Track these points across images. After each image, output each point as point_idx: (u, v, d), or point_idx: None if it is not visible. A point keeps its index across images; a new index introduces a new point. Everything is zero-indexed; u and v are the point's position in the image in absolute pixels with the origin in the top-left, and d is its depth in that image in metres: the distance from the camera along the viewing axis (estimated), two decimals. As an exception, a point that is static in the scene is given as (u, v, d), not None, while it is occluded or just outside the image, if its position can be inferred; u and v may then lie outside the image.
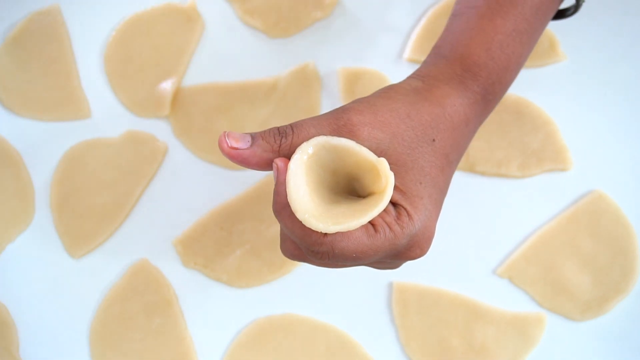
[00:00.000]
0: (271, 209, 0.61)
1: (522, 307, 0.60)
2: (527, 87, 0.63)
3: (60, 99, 0.64)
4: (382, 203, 0.35)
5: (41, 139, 0.64)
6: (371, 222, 0.36)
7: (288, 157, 0.37)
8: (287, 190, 0.35)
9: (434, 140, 0.39)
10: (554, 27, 0.63)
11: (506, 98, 0.62)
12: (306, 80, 0.64)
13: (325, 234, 0.35)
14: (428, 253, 0.40)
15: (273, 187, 0.63)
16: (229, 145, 0.37)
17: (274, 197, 0.37)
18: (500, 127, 0.63)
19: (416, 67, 0.65)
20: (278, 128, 0.37)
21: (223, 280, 0.61)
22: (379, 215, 0.36)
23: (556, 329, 0.60)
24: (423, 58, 0.64)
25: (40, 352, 0.60)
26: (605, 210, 0.61)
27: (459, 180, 0.60)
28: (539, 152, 0.62)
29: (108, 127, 0.64)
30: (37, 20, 0.66)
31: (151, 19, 0.66)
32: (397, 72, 0.64)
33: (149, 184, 0.63)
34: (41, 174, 0.63)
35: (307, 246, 0.36)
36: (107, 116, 0.64)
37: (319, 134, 0.37)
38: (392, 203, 0.37)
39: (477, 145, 0.62)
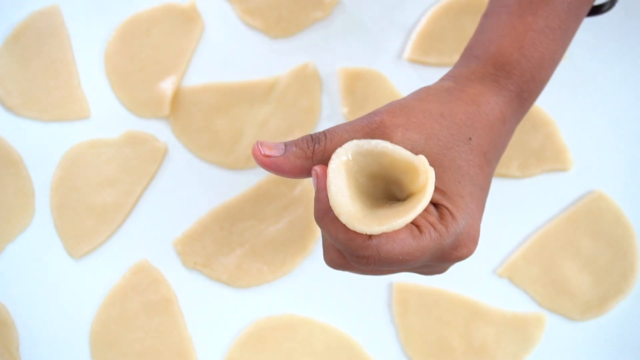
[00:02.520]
0: (272, 209, 0.62)
1: (522, 307, 0.60)
2: (527, 87, 0.63)
3: (60, 99, 0.64)
4: (425, 199, 0.34)
5: (41, 139, 0.64)
6: (415, 224, 0.35)
7: (322, 163, 0.36)
8: (329, 194, 0.34)
9: (470, 138, 0.38)
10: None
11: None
12: (306, 80, 0.64)
13: (370, 237, 0.34)
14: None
15: (273, 187, 0.63)
16: (263, 153, 0.37)
17: (315, 205, 0.36)
18: (500, 127, 0.63)
19: (417, 67, 0.66)
20: (311, 135, 0.37)
21: (223, 280, 0.61)
22: (422, 216, 0.35)
23: (556, 329, 0.60)
24: (423, 58, 0.65)
25: (40, 352, 0.60)
26: (605, 210, 0.61)
27: (459, 180, 0.60)
28: (539, 152, 0.62)
29: (108, 127, 0.64)
30: (37, 20, 0.66)
31: (151, 19, 0.66)
32: (397, 72, 0.65)
33: (149, 184, 0.63)
34: (41, 174, 0.63)
35: (352, 251, 0.35)
36: (107, 116, 0.64)
37: (352, 139, 0.36)
38: (434, 204, 0.36)
39: (477, 145, 0.62)
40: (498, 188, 0.62)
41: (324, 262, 0.39)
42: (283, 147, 0.37)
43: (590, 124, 0.63)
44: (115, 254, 0.61)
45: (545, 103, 0.63)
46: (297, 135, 0.63)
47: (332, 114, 0.64)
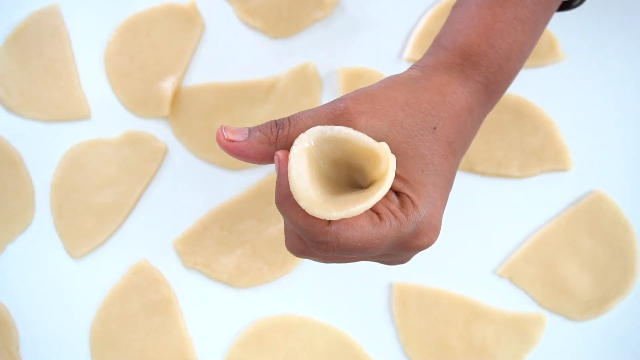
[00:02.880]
0: (272, 209, 0.61)
1: (522, 307, 0.60)
2: (527, 87, 0.63)
3: (60, 99, 0.64)
4: (384, 185, 0.34)
5: (41, 139, 0.64)
6: (375, 211, 0.35)
7: (286, 148, 0.36)
8: (289, 179, 0.34)
9: (435, 128, 0.38)
10: (554, 27, 0.63)
11: (506, 98, 0.62)
12: (306, 80, 0.64)
13: (330, 222, 0.34)
14: (427, 252, 0.39)
15: (273, 187, 0.63)
16: (226, 137, 0.37)
17: (276, 189, 0.36)
18: (500, 127, 0.63)
19: (416, 67, 0.66)
20: (275, 121, 0.37)
21: (223, 280, 0.61)
22: (383, 203, 0.35)
23: (556, 329, 0.60)
24: (423, 58, 0.65)
25: (40, 352, 0.60)
26: (605, 210, 0.61)
27: (459, 180, 0.60)
28: (539, 152, 0.62)
29: (108, 127, 0.64)
30: (37, 20, 0.66)
31: (151, 19, 0.66)
32: (397, 72, 0.64)
33: (149, 184, 0.63)
34: (41, 174, 0.63)
35: (311, 237, 0.35)
36: (107, 116, 0.64)
37: (316, 125, 0.36)
38: (395, 192, 0.36)
39: (477, 146, 0.62)
40: (498, 188, 0.62)
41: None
42: (247, 132, 0.37)
43: (590, 124, 0.63)
44: (115, 254, 0.61)
45: (545, 103, 0.63)
46: (297, 135, 0.63)
47: (332, 114, 0.64)
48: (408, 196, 0.36)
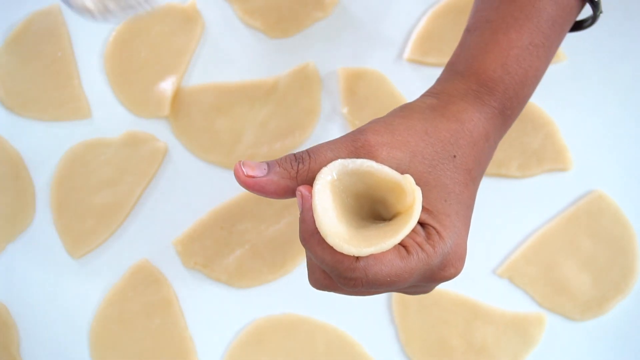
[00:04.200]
0: (272, 209, 0.61)
1: (522, 307, 0.60)
2: (527, 87, 0.63)
3: (60, 99, 0.64)
4: (412, 219, 0.34)
5: (41, 139, 0.64)
6: (402, 244, 0.35)
7: (307, 183, 0.36)
8: (315, 215, 0.34)
9: (454, 156, 0.38)
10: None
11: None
12: (306, 80, 0.64)
13: (358, 259, 0.33)
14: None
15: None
16: (245, 174, 0.36)
17: (300, 225, 0.35)
18: (500, 127, 0.63)
19: (417, 67, 0.66)
20: (294, 154, 0.37)
21: (223, 280, 0.61)
22: (409, 236, 0.35)
23: (556, 329, 0.60)
24: (423, 58, 0.65)
25: (40, 352, 0.60)
26: (605, 210, 0.61)
27: (459, 180, 0.60)
28: (539, 152, 0.62)
29: (108, 127, 0.64)
30: (37, 20, 0.66)
31: (151, 19, 0.66)
32: (397, 72, 0.64)
33: (149, 184, 0.63)
34: (41, 174, 0.63)
35: (339, 273, 0.34)
36: (107, 116, 0.64)
37: (336, 157, 0.36)
38: (420, 223, 0.36)
39: (477, 145, 0.62)
40: (498, 188, 0.62)
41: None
42: (266, 167, 0.36)
43: (590, 124, 0.63)
44: (115, 254, 0.61)
45: (545, 103, 0.63)
46: (297, 135, 0.63)
47: (332, 114, 0.64)
48: (434, 227, 0.36)
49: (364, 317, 0.60)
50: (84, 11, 0.31)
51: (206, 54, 0.66)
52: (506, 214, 0.62)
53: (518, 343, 0.59)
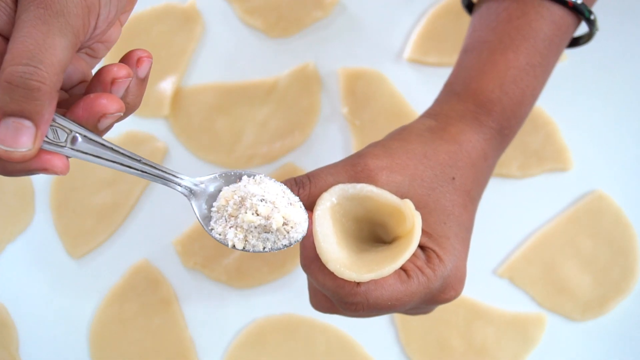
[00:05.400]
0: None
1: (522, 307, 0.60)
2: (527, 87, 0.63)
3: (60, 99, 0.64)
4: (412, 245, 0.34)
5: (41, 139, 0.64)
6: (403, 268, 0.35)
7: (308, 207, 0.36)
8: (316, 242, 0.34)
9: (453, 178, 0.38)
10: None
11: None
12: (306, 80, 0.64)
13: (359, 284, 0.34)
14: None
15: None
16: None
17: (301, 252, 0.36)
18: (500, 127, 0.63)
19: (417, 67, 0.66)
20: (295, 179, 0.37)
21: (223, 281, 0.61)
22: (409, 260, 0.35)
23: (556, 329, 0.60)
24: (423, 58, 0.65)
25: (40, 352, 0.60)
26: (605, 210, 0.61)
27: (459, 180, 0.60)
28: (539, 152, 0.62)
29: (108, 127, 0.64)
30: (37, 20, 0.65)
31: (151, 19, 0.66)
32: (397, 72, 0.64)
33: (149, 184, 0.63)
34: (41, 174, 0.63)
35: (340, 298, 0.35)
36: (107, 116, 0.64)
37: (336, 182, 0.36)
38: (420, 246, 0.36)
39: (477, 145, 0.62)
40: (498, 188, 0.62)
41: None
42: None
43: (590, 124, 0.63)
44: (115, 254, 0.61)
45: (545, 103, 0.63)
46: (297, 135, 0.63)
47: (332, 114, 0.64)
48: (434, 250, 0.36)
49: (364, 317, 0.60)
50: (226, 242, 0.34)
51: (206, 54, 0.66)
52: (506, 214, 0.62)
53: (518, 343, 0.59)
